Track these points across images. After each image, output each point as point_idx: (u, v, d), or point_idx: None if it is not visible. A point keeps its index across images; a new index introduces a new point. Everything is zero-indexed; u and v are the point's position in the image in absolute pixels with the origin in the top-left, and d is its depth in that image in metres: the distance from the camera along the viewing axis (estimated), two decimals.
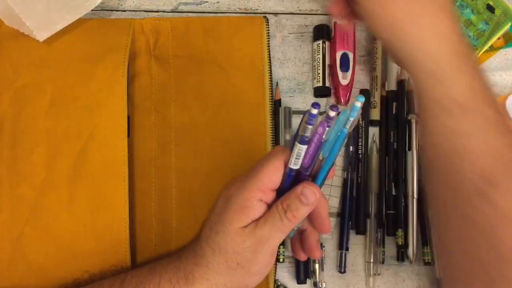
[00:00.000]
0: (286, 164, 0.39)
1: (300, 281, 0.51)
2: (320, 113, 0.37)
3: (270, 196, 0.40)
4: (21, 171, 0.47)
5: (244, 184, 0.39)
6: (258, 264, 0.39)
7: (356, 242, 0.53)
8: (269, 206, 0.40)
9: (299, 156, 0.37)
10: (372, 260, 0.52)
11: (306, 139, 0.36)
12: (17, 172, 0.47)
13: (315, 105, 0.35)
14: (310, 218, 0.43)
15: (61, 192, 0.47)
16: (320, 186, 0.40)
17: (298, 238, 0.45)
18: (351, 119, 0.36)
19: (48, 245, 0.46)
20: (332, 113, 0.35)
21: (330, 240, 0.53)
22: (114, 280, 0.43)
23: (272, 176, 0.39)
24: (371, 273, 0.51)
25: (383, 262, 0.52)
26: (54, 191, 0.47)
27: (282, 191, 0.40)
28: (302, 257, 0.45)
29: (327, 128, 0.36)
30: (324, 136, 0.37)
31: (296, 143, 0.37)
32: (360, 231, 0.52)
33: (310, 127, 0.35)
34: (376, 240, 0.52)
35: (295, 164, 0.38)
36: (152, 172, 0.51)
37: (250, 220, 0.39)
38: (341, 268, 0.51)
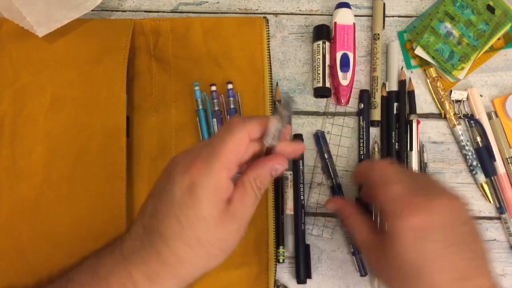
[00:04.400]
0: (251, 133, 0.37)
1: (300, 281, 0.51)
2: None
3: (235, 170, 0.37)
4: (21, 171, 0.47)
5: (210, 167, 0.35)
6: (238, 242, 0.38)
7: None
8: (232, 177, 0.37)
9: (277, 128, 0.36)
10: None
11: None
12: (16, 171, 0.47)
13: None
14: None
15: (60, 193, 0.47)
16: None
17: None
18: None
19: (47, 245, 0.46)
20: None
21: (330, 240, 0.52)
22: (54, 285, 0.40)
23: (238, 151, 0.36)
24: None
25: None
26: (53, 191, 0.47)
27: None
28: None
29: None
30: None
31: (279, 123, 0.35)
32: None
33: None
34: None
35: (276, 140, 0.36)
36: (152, 172, 0.51)
37: (224, 202, 0.36)
38: (361, 271, 0.51)
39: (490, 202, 0.53)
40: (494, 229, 0.53)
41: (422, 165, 0.53)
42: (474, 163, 0.53)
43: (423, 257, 0.38)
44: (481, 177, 0.53)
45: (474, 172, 0.53)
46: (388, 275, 0.41)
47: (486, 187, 0.53)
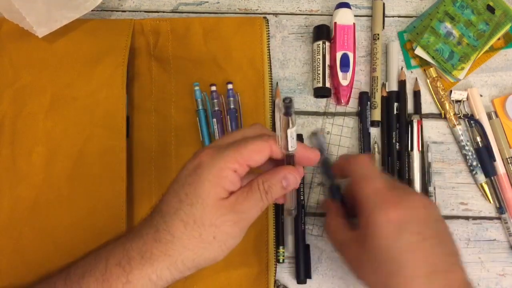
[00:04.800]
0: (272, 150, 0.37)
1: (300, 281, 0.51)
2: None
3: (244, 169, 0.38)
4: (21, 171, 0.47)
5: (219, 153, 0.37)
6: (234, 238, 0.38)
7: None
8: (242, 178, 0.38)
9: (293, 137, 0.36)
10: None
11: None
12: (16, 172, 0.47)
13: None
14: None
15: (60, 193, 0.47)
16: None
17: None
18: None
19: (47, 245, 0.46)
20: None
21: None
22: (60, 274, 0.41)
23: (255, 155, 0.37)
24: None
25: None
26: (53, 191, 0.47)
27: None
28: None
29: None
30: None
31: (289, 130, 0.36)
32: None
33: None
34: None
35: (295, 146, 0.37)
36: (152, 172, 0.51)
37: (226, 192, 0.37)
38: None
39: (490, 202, 0.53)
40: (494, 229, 0.53)
41: (426, 164, 0.53)
42: (474, 163, 0.53)
43: (402, 248, 0.39)
44: (481, 177, 0.53)
45: (474, 172, 0.53)
46: (366, 271, 0.42)
47: (486, 187, 0.53)
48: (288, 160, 0.39)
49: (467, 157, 0.53)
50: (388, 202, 0.40)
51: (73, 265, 0.41)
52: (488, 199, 0.53)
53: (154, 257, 0.37)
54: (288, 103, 0.34)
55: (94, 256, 0.40)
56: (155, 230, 0.38)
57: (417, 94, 0.54)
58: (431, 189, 0.52)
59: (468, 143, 0.53)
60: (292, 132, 0.36)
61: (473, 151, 0.53)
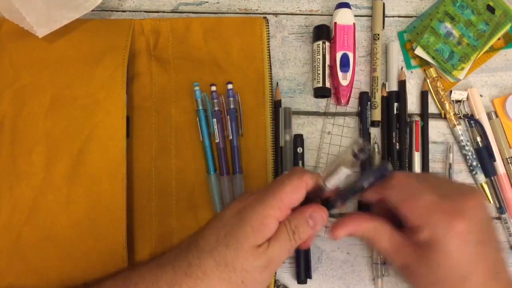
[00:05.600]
0: (307, 185, 0.38)
1: (300, 281, 0.51)
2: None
3: (285, 214, 0.39)
4: (20, 171, 0.47)
5: (262, 200, 0.38)
6: (262, 283, 0.39)
7: (356, 243, 0.53)
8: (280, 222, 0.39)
9: (341, 178, 0.36)
10: (379, 262, 0.51)
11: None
12: (16, 172, 0.47)
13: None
14: None
15: (59, 193, 0.47)
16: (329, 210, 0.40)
17: None
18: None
19: (47, 246, 0.46)
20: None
21: (330, 240, 0.52)
22: None
23: (292, 195, 0.38)
24: (379, 274, 0.51)
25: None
26: (52, 191, 0.47)
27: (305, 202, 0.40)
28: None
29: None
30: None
31: (342, 167, 0.35)
32: None
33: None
34: None
35: (332, 184, 0.37)
36: (152, 172, 0.51)
37: (265, 239, 0.38)
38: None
39: (490, 202, 0.53)
40: None
41: (447, 166, 0.53)
42: (474, 163, 0.53)
43: (468, 258, 0.38)
44: (481, 177, 0.53)
45: (474, 172, 0.53)
46: (426, 282, 0.40)
47: (486, 187, 0.53)
48: (316, 192, 0.39)
49: (467, 157, 0.53)
50: (449, 216, 0.38)
51: (102, 284, 0.41)
52: (488, 199, 0.53)
53: None
54: (363, 147, 0.33)
55: (123, 278, 0.40)
56: (187, 264, 0.38)
57: (424, 95, 0.54)
58: None
59: (468, 143, 0.53)
60: (342, 171, 0.35)
61: (473, 151, 0.53)
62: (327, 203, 0.40)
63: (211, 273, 0.38)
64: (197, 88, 0.51)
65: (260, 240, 0.38)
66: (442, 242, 0.38)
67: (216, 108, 0.51)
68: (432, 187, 0.40)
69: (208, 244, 0.38)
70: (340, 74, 0.53)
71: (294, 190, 0.38)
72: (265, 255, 0.38)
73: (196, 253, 0.39)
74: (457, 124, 0.54)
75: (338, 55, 0.53)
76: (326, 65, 0.54)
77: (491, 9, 0.54)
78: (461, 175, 0.54)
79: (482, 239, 0.38)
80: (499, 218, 0.53)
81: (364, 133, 0.53)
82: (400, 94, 0.54)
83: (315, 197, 0.40)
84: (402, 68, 0.55)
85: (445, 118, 0.54)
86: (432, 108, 0.55)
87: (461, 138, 0.53)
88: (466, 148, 0.53)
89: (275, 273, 0.49)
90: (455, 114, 0.54)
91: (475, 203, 0.39)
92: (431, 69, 0.54)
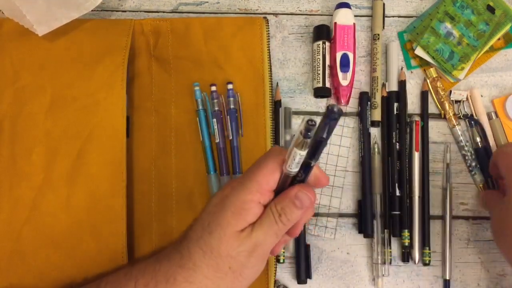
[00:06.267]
0: (282, 165, 0.37)
1: (300, 281, 0.51)
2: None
3: (268, 197, 0.38)
4: (20, 171, 0.47)
5: (242, 186, 0.38)
6: (251, 268, 0.38)
7: (356, 243, 0.53)
8: (265, 206, 0.39)
9: (299, 161, 0.35)
10: (379, 262, 0.51)
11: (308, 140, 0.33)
12: (16, 172, 0.47)
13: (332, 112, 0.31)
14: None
15: (59, 193, 0.47)
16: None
17: None
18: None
19: (46, 246, 0.46)
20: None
21: (330, 240, 0.52)
22: (89, 286, 0.42)
23: (269, 177, 0.37)
24: (379, 274, 0.51)
25: (390, 263, 0.52)
26: (52, 191, 0.47)
27: (280, 190, 0.39)
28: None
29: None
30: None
31: (295, 149, 0.34)
32: (368, 234, 0.52)
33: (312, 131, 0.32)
34: (383, 241, 0.52)
35: (294, 168, 0.36)
36: (152, 172, 0.51)
37: (247, 224, 0.38)
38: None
39: None
40: None
41: (444, 166, 0.53)
42: (473, 164, 0.53)
43: None
44: (480, 178, 0.53)
45: (473, 172, 0.53)
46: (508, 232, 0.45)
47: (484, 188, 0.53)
48: (286, 180, 0.38)
49: (466, 158, 0.53)
50: None
51: (104, 280, 0.42)
52: None
53: (177, 282, 0.38)
54: (311, 125, 0.31)
55: (125, 273, 0.41)
56: (180, 256, 0.39)
57: (424, 95, 0.54)
58: (448, 188, 0.53)
59: (468, 144, 0.53)
60: (297, 154, 0.34)
61: (472, 152, 0.53)
62: (295, 179, 0.39)
63: (200, 262, 0.38)
64: (197, 88, 0.51)
65: (242, 224, 0.37)
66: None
67: (216, 108, 0.51)
68: None
69: (195, 234, 0.39)
70: (340, 74, 0.53)
71: (271, 173, 0.37)
72: (249, 239, 0.37)
73: (186, 244, 0.39)
74: (457, 125, 0.54)
75: (338, 55, 0.53)
76: (326, 65, 0.54)
77: (491, 9, 0.54)
78: (460, 175, 0.54)
79: None
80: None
81: (364, 133, 0.53)
82: (400, 94, 0.54)
83: (287, 181, 0.38)
84: (402, 68, 0.55)
85: (444, 118, 0.54)
86: (432, 108, 0.55)
87: (460, 138, 0.53)
88: (466, 148, 0.53)
89: (275, 270, 0.49)
90: (454, 114, 0.54)
91: None
92: (431, 69, 0.54)
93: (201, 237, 0.38)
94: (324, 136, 0.32)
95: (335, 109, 0.31)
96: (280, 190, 0.39)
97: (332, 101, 0.55)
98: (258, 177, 0.37)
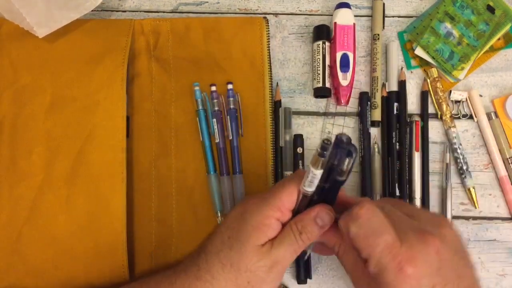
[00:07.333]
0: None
1: (300, 281, 0.51)
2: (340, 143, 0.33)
3: (287, 216, 0.39)
4: (20, 171, 0.47)
5: (264, 201, 0.39)
6: (269, 283, 0.39)
7: None
8: (284, 225, 0.39)
9: (312, 180, 0.35)
10: None
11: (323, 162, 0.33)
12: (16, 172, 0.47)
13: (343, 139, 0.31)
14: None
15: (59, 193, 0.47)
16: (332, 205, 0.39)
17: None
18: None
19: (46, 246, 0.46)
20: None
21: None
22: None
23: (290, 196, 0.38)
24: None
25: None
26: (52, 191, 0.47)
27: (297, 211, 0.40)
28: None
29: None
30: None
31: (310, 166, 0.34)
32: None
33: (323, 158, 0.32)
34: None
35: (307, 187, 0.37)
36: (152, 172, 0.51)
37: (267, 239, 0.38)
38: None
39: (476, 207, 0.53)
40: (494, 229, 0.53)
41: (443, 166, 0.53)
42: (464, 167, 0.53)
43: None
44: (470, 182, 0.53)
45: (463, 176, 0.53)
46: None
47: (473, 192, 0.53)
48: (302, 201, 0.39)
49: (458, 161, 0.53)
50: (402, 261, 0.36)
51: None
52: (475, 205, 0.53)
53: None
54: (326, 143, 0.31)
55: (141, 285, 0.42)
56: (197, 269, 0.40)
57: (424, 95, 0.54)
58: (448, 188, 0.53)
59: (461, 147, 0.53)
60: (310, 172, 0.34)
61: (464, 155, 0.53)
62: (312, 202, 0.39)
63: (218, 275, 0.38)
64: (197, 88, 0.51)
65: (262, 239, 0.38)
66: (391, 286, 0.36)
67: (216, 108, 0.51)
68: (395, 223, 0.38)
69: (214, 247, 0.40)
70: (340, 74, 0.53)
71: (292, 193, 0.38)
72: (269, 255, 0.38)
73: (204, 257, 0.40)
74: (452, 126, 0.53)
75: (338, 55, 0.53)
76: (326, 65, 0.54)
77: (491, 9, 0.54)
78: (451, 178, 0.53)
79: (440, 281, 0.36)
80: (499, 218, 0.53)
81: (364, 133, 0.53)
82: (400, 94, 0.54)
83: (304, 201, 0.39)
84: (402, 68, 0.55)
85: (441, 119, 0.54)
86: (432, 108, 0.55)
87: (454, 140, 0.53)
88: (458, 151, 0.53)
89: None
90: (451, 116, 0.54)
91: (432, 244, 0.37)
92: (432, 69, 0.54)
93: (221, 250, 0.39)
94: (335, 163, 0.33)
95: (344, 139, 0.31)
96: (297, 211, 0.40)
97: (331, 101, 0.55)
98: (281, 195, 0.38)
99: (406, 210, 0.40)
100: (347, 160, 0.33)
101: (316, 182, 0.36)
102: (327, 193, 0.38)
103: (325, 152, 0.32)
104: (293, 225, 0.39)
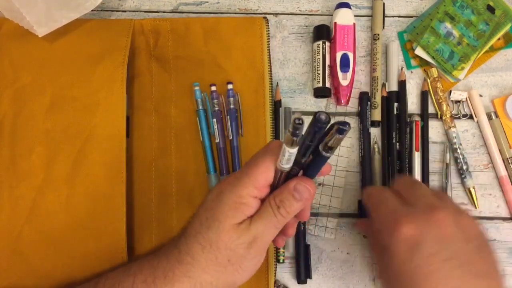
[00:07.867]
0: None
1: (300, 281, 0.51)
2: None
3: (264, 192, 0.38)
4: (20, 171, 0.47)
5: (238, 181, 0.38)
6: (250, 260, 0.39)
7: (356, 243, 0.53)
8: (263, 200, 0.39)
9: (289, 158, 0.35)
10: None
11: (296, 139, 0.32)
12: (16, 172, 0.47)
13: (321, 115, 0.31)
14: None
15: (59, 193, 0.47)
16: (312, 178, 0.38)
17: None
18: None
19: (46, 246, 0.46)
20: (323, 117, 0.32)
21: (330, 240, 0.52)
22: (88, 283, 0.42)
23: (265, 173, 0.37)
24: None
25: None
26: (52, 191, 0.47)
27: (277, 185, 0.39)
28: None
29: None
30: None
31: (285, 146, 0.33)
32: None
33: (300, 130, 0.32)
34: None
35: (285, 164, 0.36)
36: (152, 172, 0.51)
37: (245, 217, 0.38)
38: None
39: (476, 207, 0.53)
40: (494, 229, 0.53)
41: (443, 165, 0.53)
42: (464, 167, 0.53)
43: (417, 269, 0.37)
44: (469, 182, 0.53)
45: (463, 176, 0.53)
46: (390, 285, 0.41)
47: (473, 192, 0.53)
48: (280, 176, 0.38)
49: (458, 161, 0.53)
50: (400, 222, 0.38)
51: (103, 276, 0.42)
52: (475, 205, 0.53)
53: (176, 277, 0.39)
54: (297, 124, 0.31)
55: (124, 270, 0.42)
56: (178, 251, 0.40)
57: (424, 95, 0.54)
58: (448, 188, 0.53)
59: (461, 147, 0.53)
60: (286, 151, 0.33)
61: (465, 155, 0.53)
62: (290, 174, 0.39)
63: (198, 256, 0.38)
64: (197, 88, 0.51)
65: (240, 217, 0.38)
66: (390, 246, 0.38)
67: (216, 108, 0.51)
68: (406, 197, 0.41)
69: (193, 230, 0.39)
70: (340, 74, 0.53)
71: (267, 169, 0.37)
72: (248, 232, 0.38)
73: (184, 240, 0.40)
74: (452, 126, 0.53)
75: (338, 55, 0.53)
76: (326, 65, 0.54)
77: (491, 9, 0.54)
78: (451, 178, 0.53)
79: (438, 253, 0.37)
80: (498, 218, 0.53)
81: (364, 133, 0.53)
82: (400, 94, 0.54)
83: (282, 176, 0.38)
84: (402, 68, 0.55)
85: (441, 119, 0.54)
86: (432, 108, 0.55)
87: (454, 140, 0.53)
88: (458, 151, 0.53)
89: (275, 270, 0.49)
90: (451, 116, 0.54)
91: (445, 217, 0.38)
92: (432, 69, 0.54)
93: (199, 232, 0.39)
94: (310, 142, 0.33)
95: (322, 117, 0.31)
96: (276, 184, 0.39)
97: (331, 101, 0.55)
98: (255, 172, 0.37)
99: (435, 193, 0.42)
100: (335, 136, 0.32)
101: (293, 159, 0.35)
102: (308, 166, 0.37)
103: (297, 132, 0.31)
104: (271, 200, 0.38)
